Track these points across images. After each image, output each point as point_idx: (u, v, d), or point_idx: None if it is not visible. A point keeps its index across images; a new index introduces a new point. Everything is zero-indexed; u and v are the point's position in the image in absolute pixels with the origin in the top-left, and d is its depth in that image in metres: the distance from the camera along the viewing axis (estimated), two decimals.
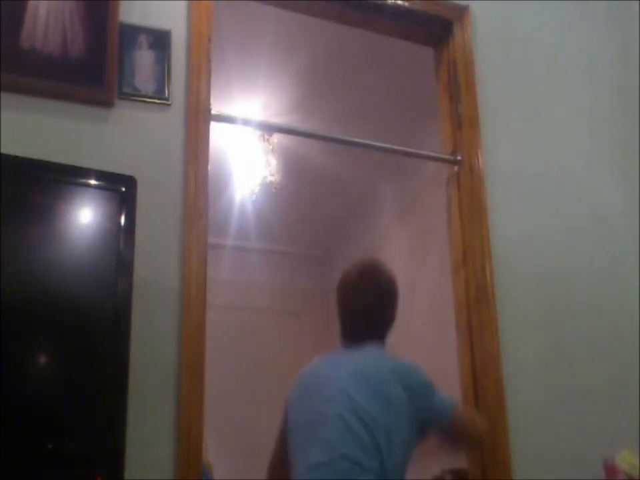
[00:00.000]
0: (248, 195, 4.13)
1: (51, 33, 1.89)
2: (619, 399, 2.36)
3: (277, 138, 4.00)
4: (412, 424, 1.82)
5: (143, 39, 2.03)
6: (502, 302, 2.30)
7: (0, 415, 1.34)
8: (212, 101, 2.10)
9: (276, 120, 3.72)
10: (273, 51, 3.25)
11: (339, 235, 5.07)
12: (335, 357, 1.99)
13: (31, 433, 1.39)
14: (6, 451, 1.34)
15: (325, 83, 3.58)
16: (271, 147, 4.02)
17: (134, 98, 1.98)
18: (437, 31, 2.61)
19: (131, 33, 2.01)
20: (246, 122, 2.94)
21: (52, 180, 1.59)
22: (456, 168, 2.47)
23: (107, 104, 1.94)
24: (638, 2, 2.92)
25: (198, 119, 2.03)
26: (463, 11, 2.59)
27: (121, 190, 1.63)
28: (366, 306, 1.98)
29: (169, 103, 2.02)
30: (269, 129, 3.73)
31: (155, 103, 2.01)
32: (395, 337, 2.04)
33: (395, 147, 2.72)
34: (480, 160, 2.43)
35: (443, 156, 2.55)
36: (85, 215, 1.61)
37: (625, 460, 2.15)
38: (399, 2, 2.49)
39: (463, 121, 2.47)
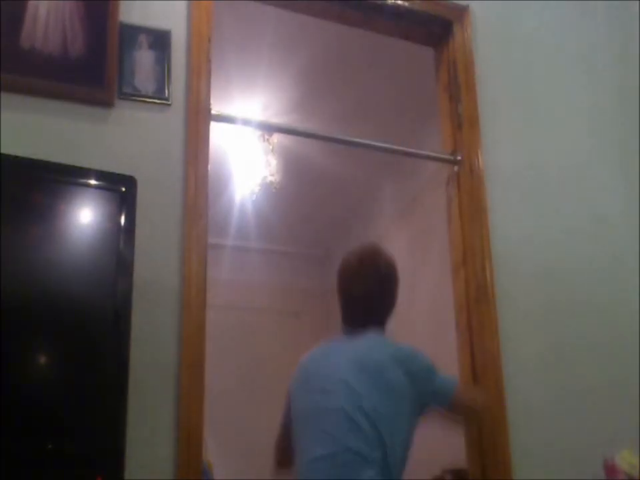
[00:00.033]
0: (248, 195, 4.13)
1: (51, 33, 1.89)
2: (618, 399, 2.36)
3: (277, 138, 4.01)
4: (413, 407, 1.84)
5: (142, 39, 2.03)
6: (502, 302, 2.30)
7: (0, 414, 1.34)
8: (212, 101, 2.10)
9: (276, 120, 3.72)
10: (273, 51, 3.26)
11: (339, 235, 5.07)
12: (335, 344, 1.99)
13: (31, 432, 1.38)
14: (6, 451, 1.34)
15: (325, 83, 3.58)
16: (270, 147, 4.02)
17: (134, 98, 1.98)
18: (437, 31, 2.61)
19: (130, 33, 2.01)
20: (246, 122, 2.94)
21: (52, 180, 1.59)
22: (456, 168, 2.47)
23: (106, 104, 1.94)
24: (638, 2, 2.91)
25: (198, 119, 2.03)
26: (462, 11, 2.59)
27: (121, 190, 1.63)
28: (366, 292, 1.99)
29: (169, 102, 2.02)
30: (268, 128, 3.73)
31: (155, 102, 2.01)
32: (395, 336, 2.04)
33: (395, 147, 2.72)
34: (480, 160, 2.43)
35: (443, 156, 2.55)
36: (85, 215, 1.61)
37: (624, 460, 2.15)
38: (399, 2, 2.49)
39: (463, 121, 2.47)
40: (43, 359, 1.50)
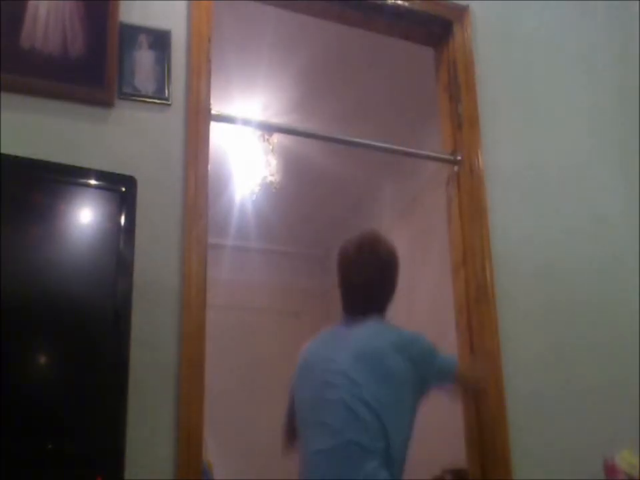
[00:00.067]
0: (248, 195, 4.13)
1: (51, 33, 1.89)
2: (619, 399, 2.36)
3: (277, 138, 4.01)
4: (415, 393, 1.87)
5: (143, 38, 2.03)
6: (502, 302, 2.30)
7: (0, 414, 1.34)
8: (212, 101, 2.10)
9: (276, 120, 3.72)
10: (273, 51, 3.26)
11: (339, 235, 5.04)
12: (335, 334, 2.00)
13: (31, 432, 1.38)
14: (6, 451, 1.34)
15: (325, 83, 3.58)
16: (270, 147, 4.02)
17: (134, 98, 1.98)
18: (437, 31, 2.61)
19: (131, 33, 2.01)
20: (246, 122, 2.94)
21: (52, 180, 1.59)
22: (456, 168, 2.47)
23: (107, 104, 1.94)
24: (638, 2, 2.92)
25: (198, 119, 2.03)
26: (462, 11, 2.59)
27: (121, 190, 1.63)
28: (366, 280, 2.00)
29: (169, 103, 2.02)
30: (269, 128, 3.73)
31: (155, 103, 2.01)
32: None
33: (395, 147, 2.72)
34: (480, 160, 2.43)
35: (443, 156, 2.55)
36: (85, 215, 1.61)
37: (624, 460, 2.15)
38: (399, 2, 2.49)
39: (463, 121, 2.47)
40: (42, 359, 1.50)
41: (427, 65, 2.72)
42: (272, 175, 4.03)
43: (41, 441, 1.39)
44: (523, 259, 2.41)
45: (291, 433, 2.02)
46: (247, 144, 3.97)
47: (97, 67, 1.92)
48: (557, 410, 2.28)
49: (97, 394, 1.48)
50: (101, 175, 1.63)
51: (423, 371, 1.86)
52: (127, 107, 1.97)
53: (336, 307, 2.09)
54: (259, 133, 3.92)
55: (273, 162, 4.04)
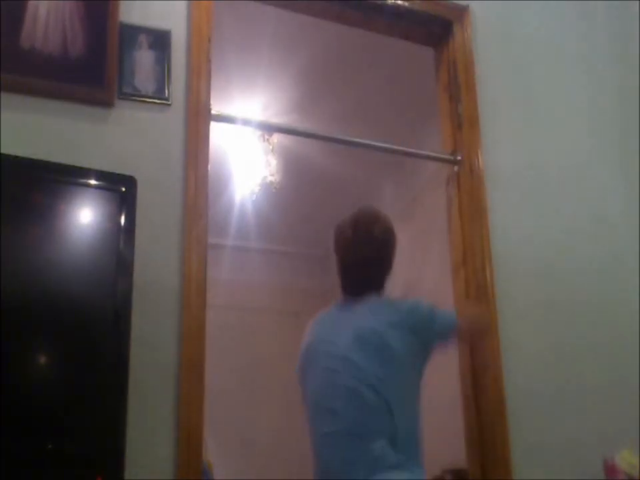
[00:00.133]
0: (248, 195, 4.13)
1: (51, 33, 1.89)
2: (619, 399, 2.36)
3: (277, 138, 4.01)
4: (419, 361, 1.90)
5: (143, 38, 2.03)
6: (502, 302, 2.30)
7: (0, 415, 1.34)
8: (212, 101, 2.09)
9: (276, 120, 3.72)
10: (273, 51, 3.26)
11: None
12: (335, 315, 2.02)
13: (31, 432, 1.38)
14: (6, 451, 1.34)
15: (325, 83, 3.58)
16: (270, 147, 4.02)
17: (134, 98, 1.98)
18: (437, 31, 2.61)
19: (131, 33, 2.01)
20: (246, 122, 2.94)
21: (52, 180, 1.59)
22: (456, 168, 2.47)
23: (107, 104, 1.94)
24: (638, 2, 2.92)
25: (198, 119, 2.03)
26: (462, 11, 2.59)
27: (121, 190, 1.63)
28: (363, 260, 2.01)
29: (169, 102, 2.02)
30: (269, 128, 3.73)
31: (155, 103, 2.01)
32: None
33: (395, 147, 2.72)
34: (480, 160, 2.43)
35: (443, 156, 2.55)
36: (85, 215, 1.61)
37: (624, 460, 2.15)
38: (399, 2, 2.49)
39: (463, 121, 2.47)
40: (42, 359, 1.49)
41: (427, 65, 2.72)
42: (272, 174, 4.03)
43: (41, 440, 1.39)
44: (523, 259, 2.41)
45: None
46: (247, 144, 3.97)
47: (97, 67, 1.92)
48: (557, 410, 2.28)
49: (97, 394, 1.48)
50: (101, 174, 1.63)
51: (424, 337, 1.89)
52: (127, 107, 1.97)
53: None
54: (259, 133, 3.92)
55: (273, 162, 4.04)
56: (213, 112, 2.10)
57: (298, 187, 4.40)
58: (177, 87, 2.04)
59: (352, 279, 2.03)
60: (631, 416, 2.34)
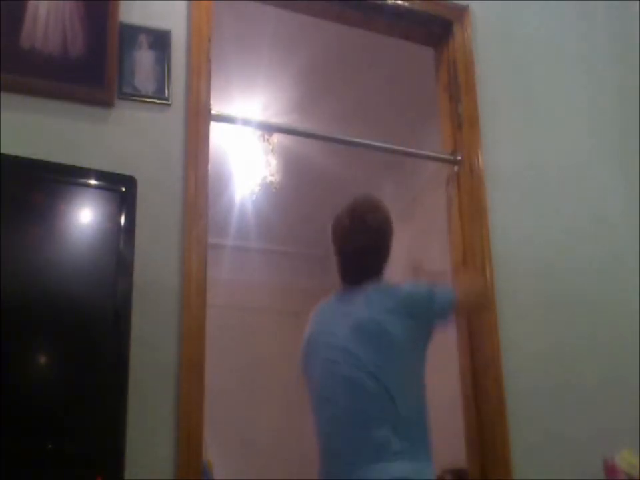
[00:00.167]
0: (248, 195, 4.13)
1: (51, 33, 1.89)
2: (618, 399, 2.36)
3: (277, 138, 4.01)
4: (421, 344, 1.91)
5: (143, 38, 2.03)
6: (502, 302, 2.30)
7: (0, 414, 1.34)
8: (212, 101, 2.09)
9: (276, 120, 3.72)
10: (273, 51, 3.26)
11: None
12: (334, 305, 2.03)
13: (31, 432, 1.38)
14: (6, 451, 1.34)
15: (325, 83, 3.58)
16: (270, 147, 4.02)
17: (134, 98, 1.98)
18: (437, 31, 2.61)
19: (131, 33, 2.01)
20: (246, 122, 2.94)
21: (52, 180, 1.59)
22: (456, 168, 2.47)
23: (107, 104, 1.94)
24: (638, 2, 2.92)
25: (198, 119, 2.03)
26: (462, 11, 2.59)
27: (121, 190, 1.63)
28: (361, 249, 2.02)
29: (169, 103, 2.02)
30: (269, 128, 3.73)
31: (155, 103, 2.01)
32: None
33: (395, 147, 2.72)
34: (480, 160, 2.43)
35: (443, 156, 2.55)
36: (85, 215, 1.61)
37: (624, 460, 2.15)
38: (399, 2, 2.49)
39: (463, 121, 2.47)
40: (43, 359, 1.49)
41: (427, 65, 2.72)
42: (272, 174, 4.04)
43: (41, 440, 1.39)
44: (523, 259, 2.41)
45: None
46: (247, 144, 3.97)
47: (97, 67, 1.92)
48: (556, 410, 2.28)
49: (97, 394, 1.48)
50: (101, 175, 1.63)
51: (424, 319, 1.90)
52: (127, 107, 1.97)
53: None
54: (259, 133, 3.92)
55: (273, 162, 4.04)
56: (213, 112, 2.10)
57: (298, 186, 4.40)
58: (177, 87, 2.04)
59: (350, 267, 2.05)
60: (630, 416, 2.34)
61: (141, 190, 1.66)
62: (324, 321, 2.02)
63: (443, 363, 2.43)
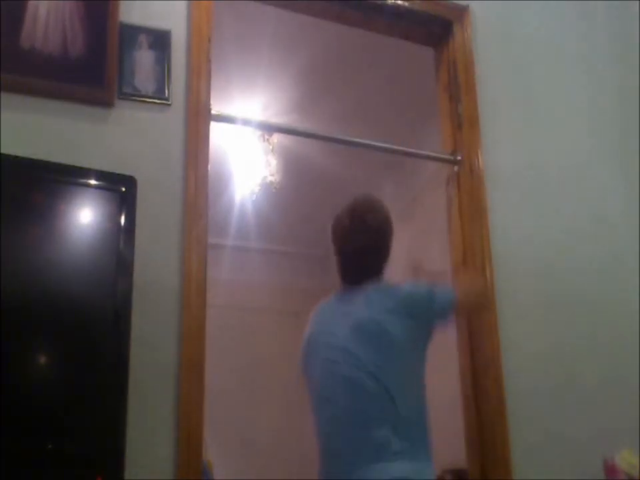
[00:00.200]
0: (248, 195, 4.13)
1: (51, 33, 1.89)
2: (619, 399, 2.36)
3: (277, 138, 4.01)
4: (421, 344, 1.91)
5: (143, 38, 2.03)
6: (502, 302, 2.30)
7: (0, 414, 1.34)
8: (212, 101, 2.09)
9: (276, 120, 3.72)
10: (273, 51, 3.26)
11: None
12: (334, 305, 2.03)
13: (31, 432, 1.38)
14: (6, 451, 1.34)
15: (325, 83, 3.58)
16: (270, 147, 4.02)
17: (134, 98, 1.98)
18: (437, 31, 2.61)
19: (131, 33, 2.01)
20: (246, 122, 2.94)
21: (52, 180, 1.59)
22: (456, 168, 2.47)
23: (107, 104, 1.94)
24: (638, 2, 2.92)
25: (198, 119, 2.03)
26: (462, 11, 2.59)
27: (121, 190, 1.63)
28: (361, 249, 2.03)
29: (169, 103, 2.02)
30: (269, 128, 3.73)
31: (155, 103, 2.01)
32: None
33: (395, 147, 2.72)
34: (480, 160, 2.43)
35: (443, 156, 2.55)
36: (85, 215, 1.61)
37: (624, 460, 2.15)
38: (399, 2, 2.49)
39: (463, 121, 2.47)
40: (43, 359, 1.49)
41: (427, 65, 2.72)
42: (272, 174, 4.04)
43: (41, 440, 1.39)
44: (523, 259, 2.41)
45: None
46: (247, 144, 3.97)
47: (97, 67, 1.92)
48: (556, 410, 2.28)
49: (97, 394, 1.48)
50: (100, 174, 1.63)
51: (424, 319, 1.90)
52: (127, 107, 1.97)
53: None
54: (259, 133, 3.92)
55: (273, 162, 4.04)
56: (213, 112, 2.10)
57: (298, 186, 4.40)
58: (177, 87, 2.04)
59: (350, 267, 2.05)
60: (630, 416, 2.34)
61: (140, 190, 1.66)
62: (324, 321, 2.02)
63: (443, 363, 2.43)
